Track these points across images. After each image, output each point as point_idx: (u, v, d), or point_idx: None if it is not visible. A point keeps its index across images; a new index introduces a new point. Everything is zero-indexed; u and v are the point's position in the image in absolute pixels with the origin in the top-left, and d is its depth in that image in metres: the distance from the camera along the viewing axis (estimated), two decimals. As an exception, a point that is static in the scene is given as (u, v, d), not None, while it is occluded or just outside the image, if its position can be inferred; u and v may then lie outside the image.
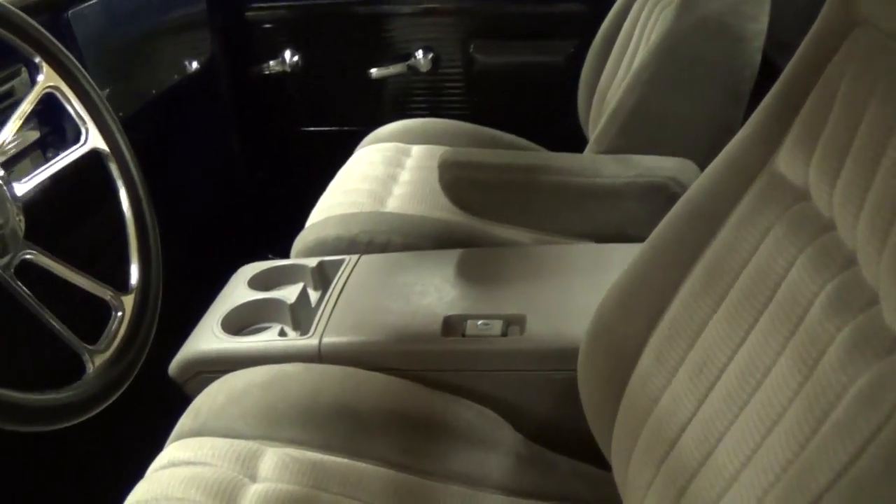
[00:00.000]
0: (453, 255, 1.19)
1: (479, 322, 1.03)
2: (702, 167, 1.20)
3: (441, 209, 1.38)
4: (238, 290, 1.16)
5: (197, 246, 1.82)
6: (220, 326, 1.09)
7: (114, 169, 0.97)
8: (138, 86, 1.50)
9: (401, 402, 0.97)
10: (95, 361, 0.88)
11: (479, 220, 1.32)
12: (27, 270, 0.84)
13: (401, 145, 1.64)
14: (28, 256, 0.85)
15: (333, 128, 2.07)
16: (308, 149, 2.10)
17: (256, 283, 1.18)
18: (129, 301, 0.93)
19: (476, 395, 0.99)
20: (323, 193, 1.50)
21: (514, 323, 1.03)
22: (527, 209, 1.25)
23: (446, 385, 0.99)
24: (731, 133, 0.74)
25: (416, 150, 1.62)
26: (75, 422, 0.82)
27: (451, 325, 1.04)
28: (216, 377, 1.02)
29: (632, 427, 0.76)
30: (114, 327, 0.92)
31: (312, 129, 2.09)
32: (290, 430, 0.92)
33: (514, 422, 0.98)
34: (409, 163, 1.58)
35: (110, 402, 0.87)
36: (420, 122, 1.74)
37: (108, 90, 1.30)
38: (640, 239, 0.84)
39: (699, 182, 0.78)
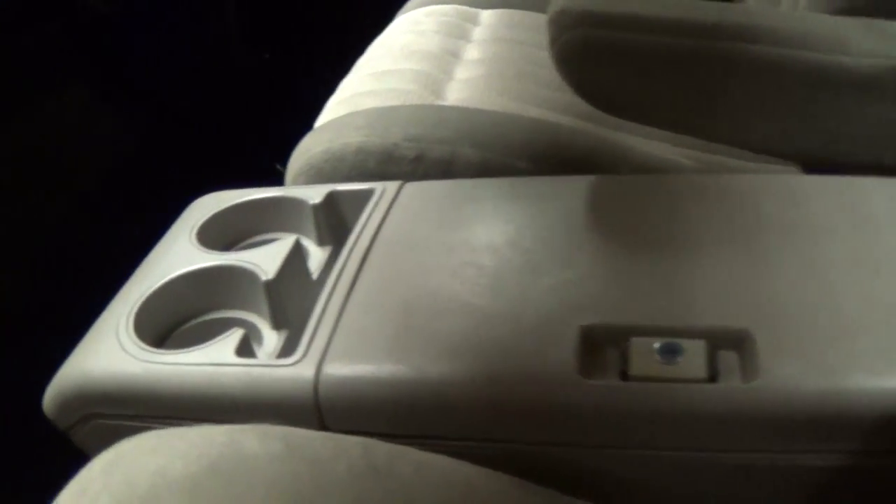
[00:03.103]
0: (580, 186, 0.64)
1: (657, 344, 0.49)
2: None
3: (541, 104, 0.84)
4: (176, 251, 0.63)
5: (176, 162, 1.31)
6: (131, 325, 0.56)
7: None
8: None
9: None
10: None
11: (613, 126, 0.77)
12: None
13: (464, 8, 1.15)
14: None
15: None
16: (332, 18, 1.66)
17: (211, 234, 0.65)
18: None
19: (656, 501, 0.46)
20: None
21: (725, 346, 0.49)
22: (707, 105, 0.68)
23: (593, 481, 0.46)
24: None
25: (489, 15, 1.13)
26: None
27: (597, 350, 0.50)
28: (123, 428, 0.52)
29: None
30: None
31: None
32: None
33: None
34: (479, 33, 1.05)
35: None
36: (494, -23, 1.26)
37: None
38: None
39: None
